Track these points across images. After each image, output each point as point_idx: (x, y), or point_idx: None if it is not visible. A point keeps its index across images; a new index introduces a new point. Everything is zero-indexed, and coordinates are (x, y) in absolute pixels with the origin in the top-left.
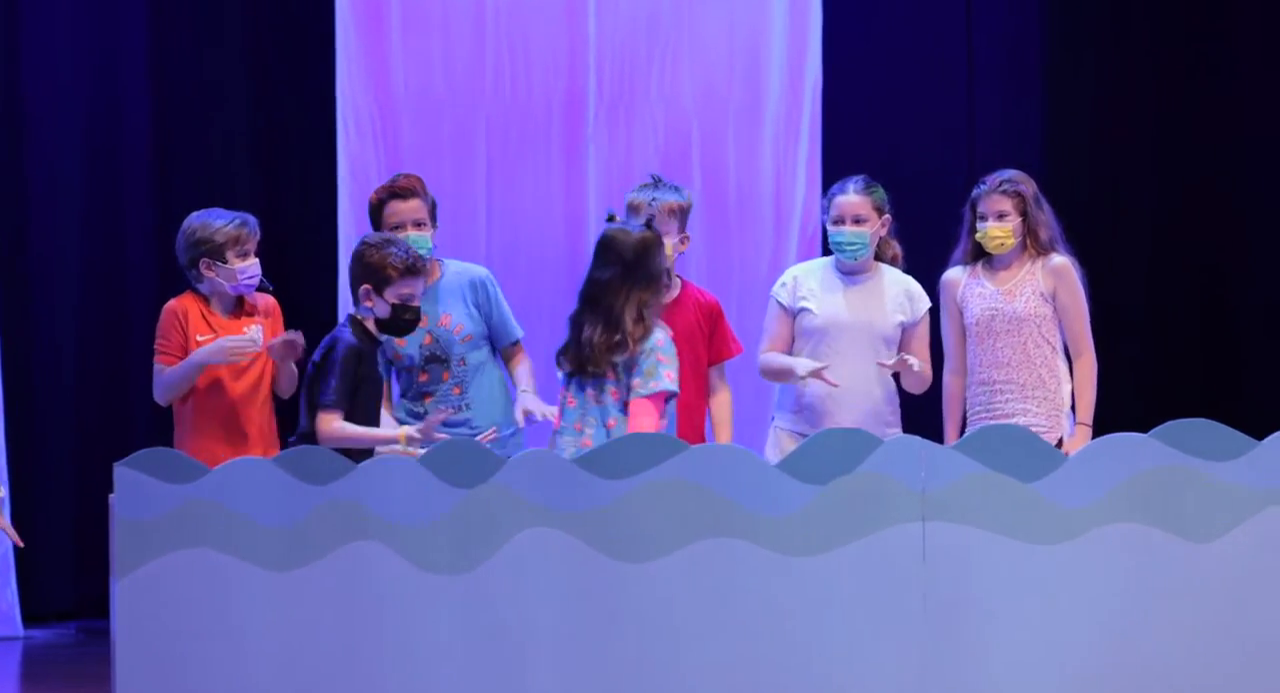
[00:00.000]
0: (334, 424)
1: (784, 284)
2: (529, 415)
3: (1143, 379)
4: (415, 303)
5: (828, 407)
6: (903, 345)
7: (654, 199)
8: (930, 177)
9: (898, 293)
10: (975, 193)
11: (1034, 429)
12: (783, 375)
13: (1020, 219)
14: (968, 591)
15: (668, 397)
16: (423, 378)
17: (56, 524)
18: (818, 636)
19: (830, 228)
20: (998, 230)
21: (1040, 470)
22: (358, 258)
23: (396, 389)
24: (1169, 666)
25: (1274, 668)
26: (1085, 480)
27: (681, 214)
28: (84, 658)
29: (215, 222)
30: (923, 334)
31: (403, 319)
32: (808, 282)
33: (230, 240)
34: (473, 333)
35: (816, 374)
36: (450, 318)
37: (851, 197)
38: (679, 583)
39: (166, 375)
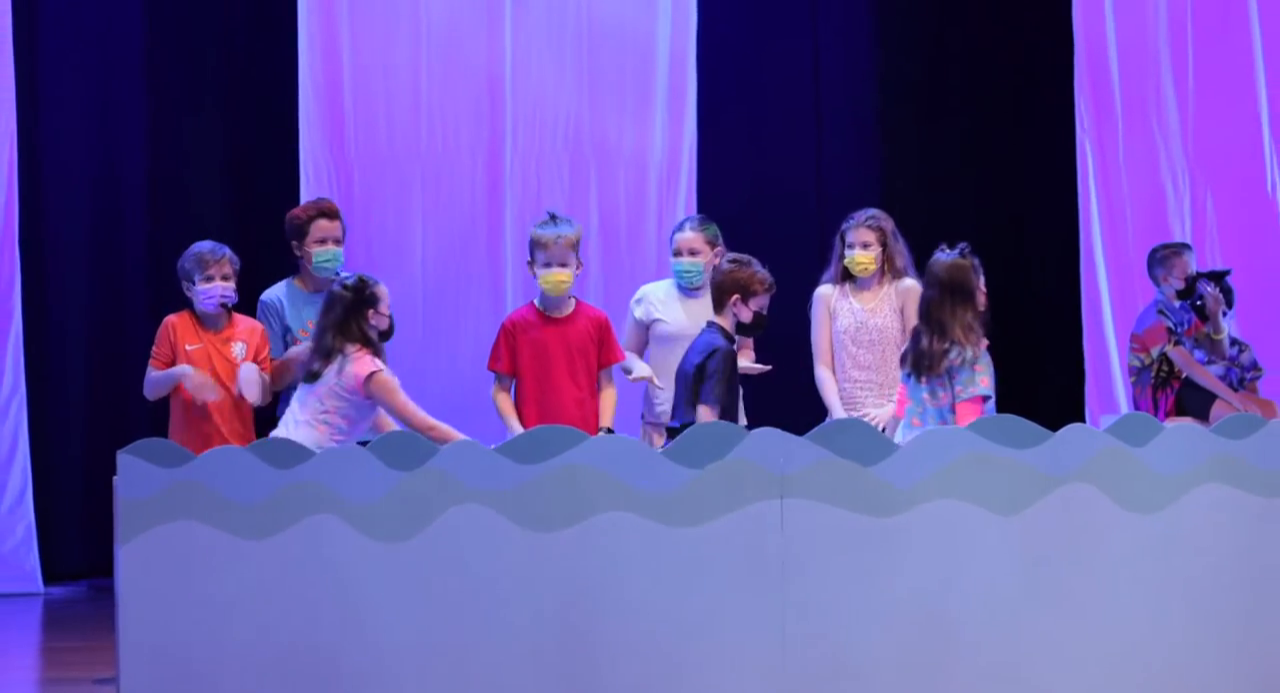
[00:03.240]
0: (711, 419)
1: (638, 301)
2: None
3: None
4: (765, 313)
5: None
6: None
7: (559, 236)
8: (786, 212)
9: None
10: (845, 226)
11: (889, 422)
12: (625, 374)
13: (881, 249)
14: (818, 556)
15: (984, 399)
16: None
17: (71, 500)
18: (694, 592)
19: (672, 260)
20: (863, 257)
21: (877, 456)
22: (728, 274)
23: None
24: (982, 615)
25: (1067, 617)
26: (913, 465)
27: (576, 244)
28: (94, 611)
29: (190, 250)
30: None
31: (760, 325)
32: (656, 297)
33: (196, 265)
34: None
35: (642, 378)
36: None
37: (687, 234)
38: (581, 549)
39: (152, 377)
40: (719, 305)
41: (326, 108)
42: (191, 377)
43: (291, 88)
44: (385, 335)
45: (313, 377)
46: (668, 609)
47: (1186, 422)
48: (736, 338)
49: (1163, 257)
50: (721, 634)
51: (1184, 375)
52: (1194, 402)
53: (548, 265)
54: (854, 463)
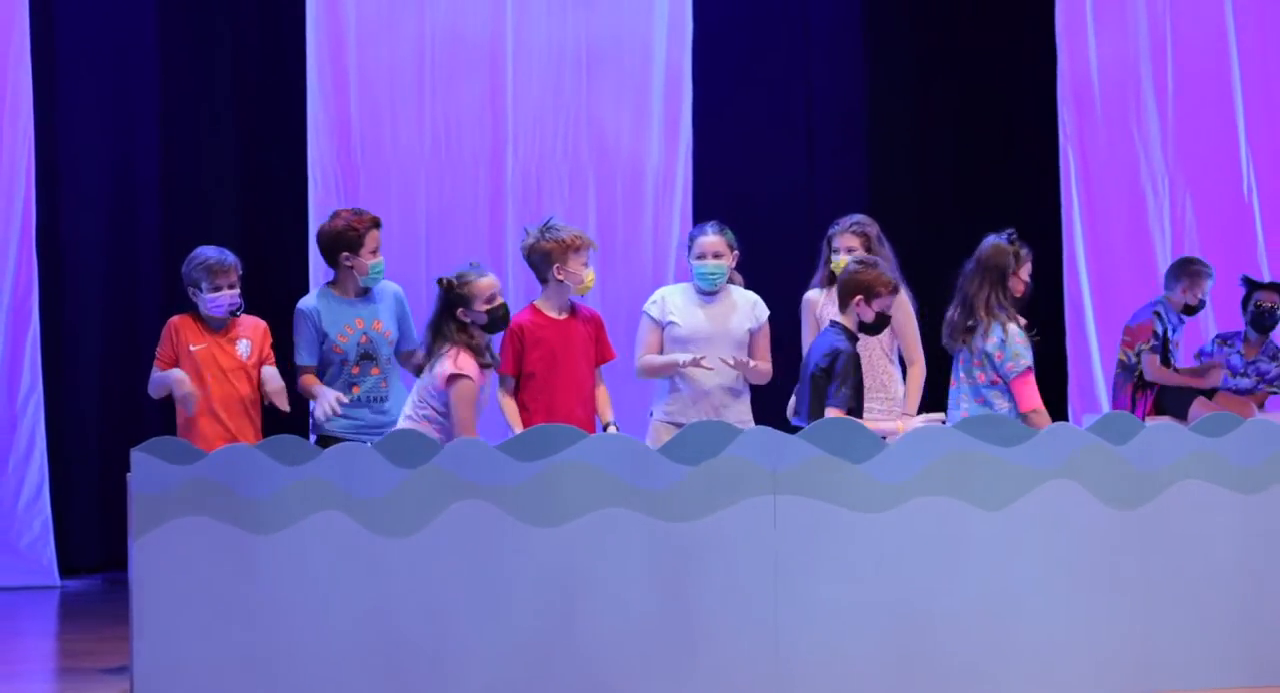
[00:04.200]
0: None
1: (655, 303)
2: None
3: (944, 382)
4: (890, 314)
5: (695, 399)
6: (751, 346)
7: (592, 240)
8: (778, 220)
9: (746, 306)
10: (831, 231)
11: (875, 420)
12: (665, 370)
13: (866, 254)
14: (810, 550)
15: (1030, 369)
16: (354, 370)
17: (86, 496)
18: (689, 586)
19: (695, 263)
20: (848, 262)
21: (867, 454)
22: (853, 275)
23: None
24: (969, 607)
25: (1051, 609)
26: (902, 462)
27: None
28: (109, 603)
29: (197, 258)
30: (765, 335)
31: (883, 325)
32: (673, 300)
33: (205, 274)
34: (395, 338)
35: (695, 363)
36: (382, 324)
37: (711, 238)
38: (580, 543)
39: (154, 376)
40: (843, 306)
41: (334, 116)
42: (183, 383)
43: (300, 97)
44: (489, 328)
45: (419, 371)
46: (664, 602)
47: (1166, 420)
48: (859, 337)
49: (1195, 272)
50: (716, 627)
51: None
52: (1173, 402)
53: (587, 266)
54: (844, 460)
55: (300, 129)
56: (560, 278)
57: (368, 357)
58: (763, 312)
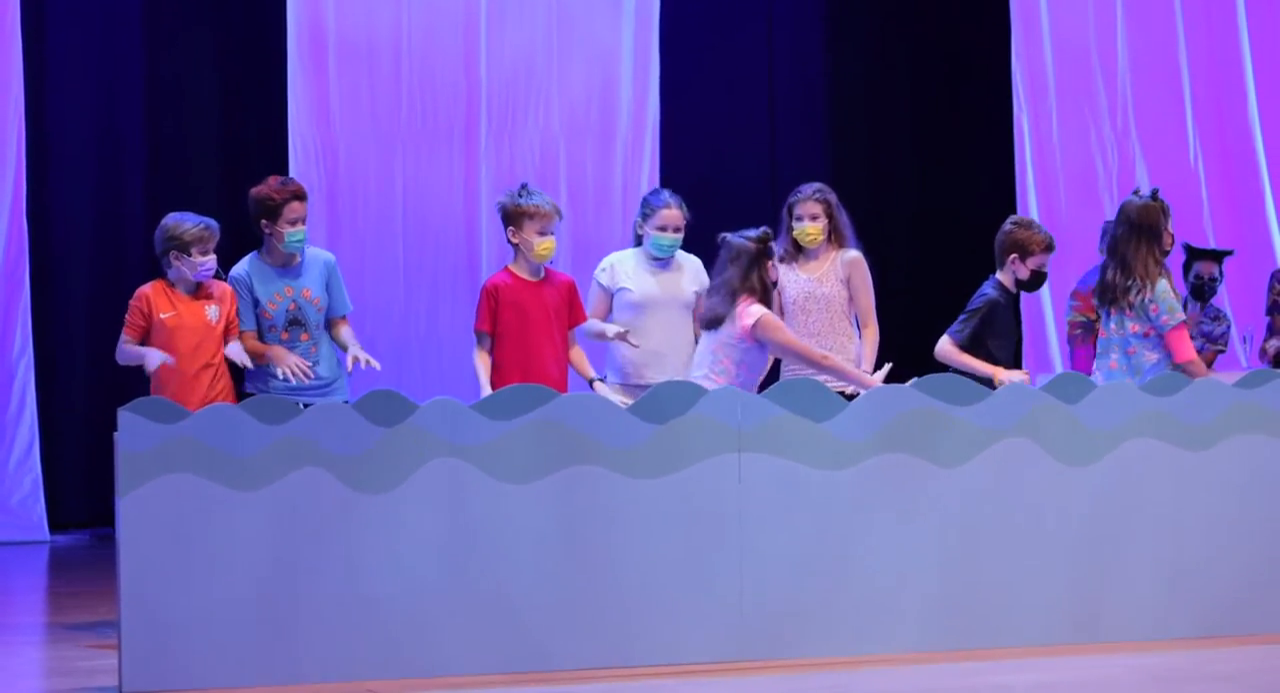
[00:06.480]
0: (945, 348)
1: (604, 269)
2: (357, 362)
3: (904, 342)
4: (1045, 271)
5: (647, 361)
6: (696, 306)
7: (552, 205)
8: (742, 190)
9: (693, 270)
10: (792, 199)
11: (836, 382)
12: (599, 337)
13: (827, 221)
14: (774, 506)
15: (1186, 323)
16: (284, 336)
17: (75, 454)
18: (656, 541)
19: (654, 233)
20: (812, 228)
21: (828, 413)
22: (1009, 234)
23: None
24: (927, 561)
25: (1006, 561)
26: (862, 420)
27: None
28: (97, 558)
29: (185, 223)
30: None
31: (1037, 282)
32: (624, 266)
33: (195, 240)
34: (325, 305)
35: (621, 337)
36: (310, 291)
37: (673, 211)
38: (552, 499)
39: (123, 348)
40: (1000, 263)
41: (313, 86)
42: (154, 360)
43: (280, 68)
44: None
45: (716, 322)
46: (633, 556)
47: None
48: (1013, 292)
49: None
50: (683, 580)
51: None
52: None
53: (542, 234)
54: (807, 419)
55: (281, 99)
56: (514, 241)
57: (296, 323)
58: (705, 275)
